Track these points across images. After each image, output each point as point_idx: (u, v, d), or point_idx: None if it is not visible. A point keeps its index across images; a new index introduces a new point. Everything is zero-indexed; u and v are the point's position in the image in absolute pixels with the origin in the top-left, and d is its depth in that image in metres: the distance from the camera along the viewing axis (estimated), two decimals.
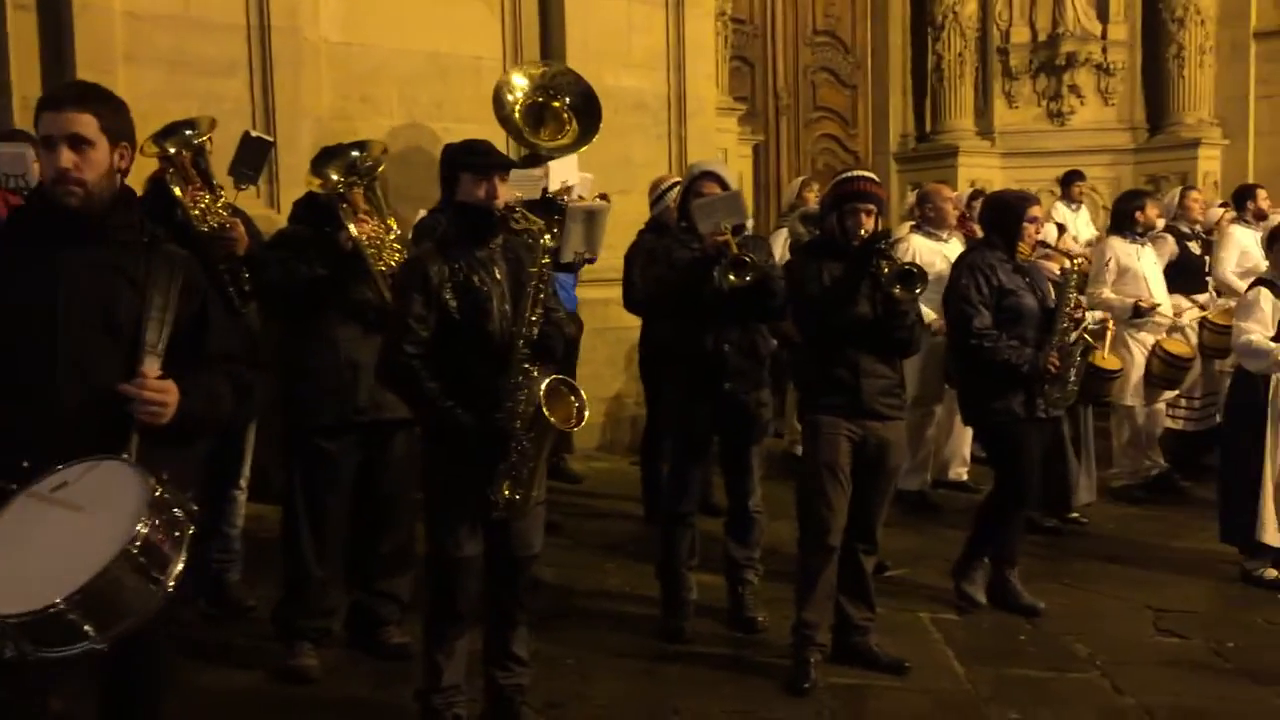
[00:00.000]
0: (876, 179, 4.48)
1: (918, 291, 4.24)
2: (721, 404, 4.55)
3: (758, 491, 4.77)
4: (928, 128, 13.56)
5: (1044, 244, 5.09)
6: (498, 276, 3.60)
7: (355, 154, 4.29)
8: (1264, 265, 6.11)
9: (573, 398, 3.59)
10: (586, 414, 3.61)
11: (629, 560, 5.59)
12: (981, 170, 13.01)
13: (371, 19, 7.10)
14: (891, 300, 4.21)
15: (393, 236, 4.19)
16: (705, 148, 8.27)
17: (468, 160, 3.71)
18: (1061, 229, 6.88)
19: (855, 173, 4.48)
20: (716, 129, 9.54)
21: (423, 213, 6.27)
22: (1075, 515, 6.37)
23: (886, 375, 4.35)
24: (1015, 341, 4.82)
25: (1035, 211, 5.00)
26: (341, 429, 4.16)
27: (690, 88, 8.30)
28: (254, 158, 4.63)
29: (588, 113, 6.79)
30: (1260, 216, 7.71)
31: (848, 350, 4.28)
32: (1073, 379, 4.99)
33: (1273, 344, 5.36)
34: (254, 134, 4.84)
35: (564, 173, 5.75)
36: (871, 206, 4.28)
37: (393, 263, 4.20)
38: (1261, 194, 8.09)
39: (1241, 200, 8.06)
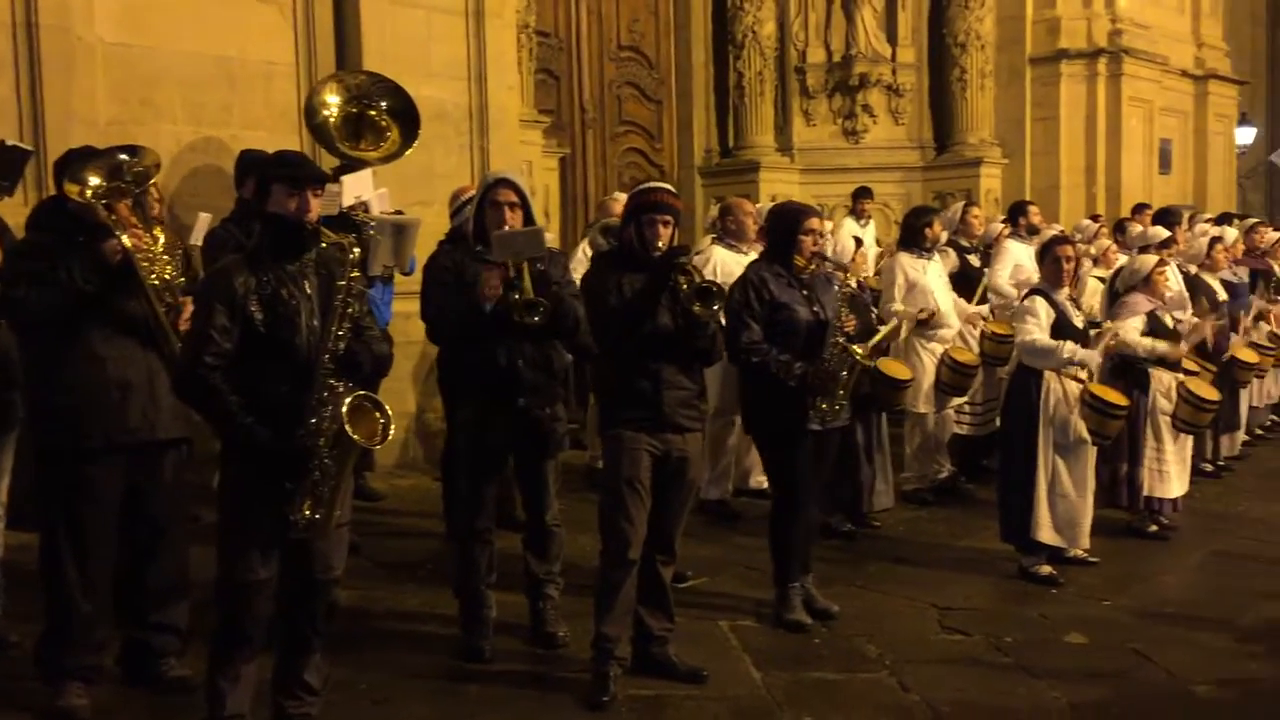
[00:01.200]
0: (674, 191, 4.52)
1: (715, 309, 4.30)
2: (516, 420, 4.49)
3: (555, 506, 4.74)
4: (731, 143, 13.86)
5: (820, 255, 5.16)
6: (308, 291, 3.53)
7: (124, 157, 4.03)
8: (1037, 276, 6.44)
9: (378, 414, 3.52)
10: (392, 431, 3.54)
11: (429, 579, 5.47)
12: (782, 185, 13.38)
13: (153, 20, 6.75)
14: (692, 316, 4.25)
15: (160, 248, 3.96)
16: (508, 159, 8.21)
17: (281, 172, 3.60)
18: (859, 243, 7.09)
19: (652, 185, 4.51)
20: (520, 141, 9.50)
21: (203, 216, 6.01)
22: (870, 519, 6.60)
23: (687, 386, 4.39)
24: (786, 355, 4.84)
25: (813, 224, 5.02)
26: (109, 451, 3.91)
27: (492, 99, 8.22)
28: (7, 168, 4.31)
29: (406, 117, 6.64)
30: (1033, 231, 8.18)
31: (649, 362, 4.30)
32: (842, 393, 4.99)
33: (1056, 341, 5.66)
34: (9, 143, 4.51)
35: (358, 188, 5.59)
36: (669, 218, 4.32)
37: (166, 275, 4.01)
38: (1033, 210, 8.60)
39: (1015, 216, 8.54)
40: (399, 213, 5.99)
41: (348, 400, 3.43)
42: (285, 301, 3.46)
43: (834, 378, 4.96)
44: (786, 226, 5.06)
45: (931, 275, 7.26)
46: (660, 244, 4.28)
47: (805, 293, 5.01)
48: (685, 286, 4.20)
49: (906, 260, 7.23)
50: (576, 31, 12.68)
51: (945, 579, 5.76)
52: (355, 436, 3.42)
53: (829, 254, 6.44)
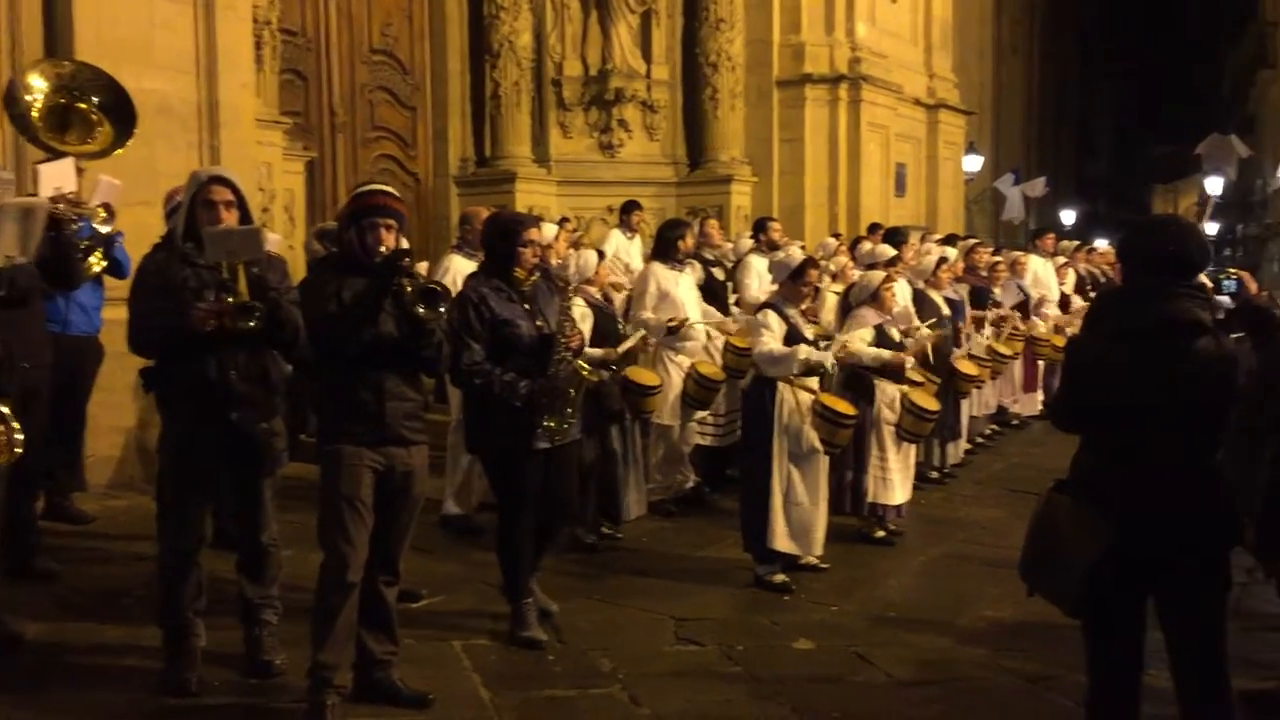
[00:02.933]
0: (396, 194, 4.33)
1: (441, 310, 4.16)
2: (228, 435, 4.19)
3: (273, 525, 4.47)
4: (487, 153, 13.70)
5: (541, 267, 5.08)
6: None
7: None
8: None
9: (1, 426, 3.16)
10: (19, 439, 3.19)
11: (135, 608, 5.05)
12: (539, 197, 13.33)
13: None
14: (416, 319, 4.09)
15: None
16: (241, 160, 7.78)
17: None
18: (602, 255, 7.10)
19: (373, 187, 4.31)
20: (258, 142, 9.06)
21: None
22: (612, 531, 6.58)
23: (411, 398, 4.24)
24: (510, 374, 4.73)
25: (531, 234, 4.91)
26: None
27: (224, 96, 7.78)
28: None
29: (120, 114, 6.14)
30: (773, 246, 8.42)
31: (371, 372, 4.12)
32: (570, 410, 4.90)
33: (789, 347, 5.79)
34: None
35: (57, 178, 5.12)
36: (391, 222, 4.16)
37: None
38: (773, 225, 8.88)
39: (757, 232, 8.78)
40: (106, 207, 5.53)
41: None
42: None
43: (562, 394, 4.87)
44: (504, 238, 4.92)
45: (683, 287, 7.35)
46: (383, 249, 4.10)
47: (527, 306, 4.89)
48: (409, 289, 4.04)
49: (660, 271, 7.30)
50: (326, 32, 12.26)
51: (684, 590, 5.79)
52: None
53: (571, 268, 6.44)
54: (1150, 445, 3.16)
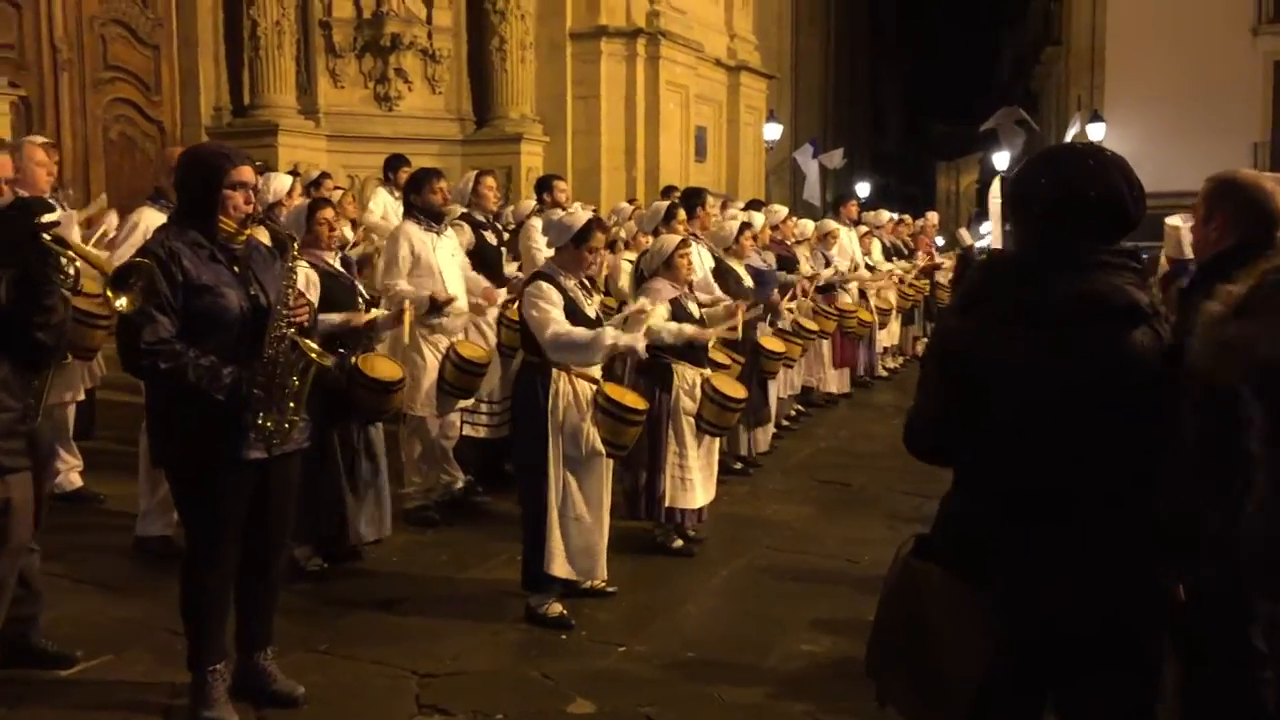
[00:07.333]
0: None
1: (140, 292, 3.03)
2: None
3: None
4: (246, 101, 12.19)
5: (261, 218, 3.86)
6: None
7: None
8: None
9: None
10: None
11: None
12: (306, 152, 11.96)
13: None
14: (36, 287, 2.89)
15: None
16: None
17: None
18: (298, 181, 5.85)
19: None
20: None
21: None
22: (358, 551, 5.40)
23: (10, 407, 3.00)
24: (210, 358, 3.51)
25: (243, 174, 3.66)
26: None
27: None
28: None
29: None
30: (560, 207, 7.36)
31: None
32: (294, 405, 3.68)
33: (594, 330, 4.75)
34: None
35: None
36: None
37: None
38: (559, 185, 7.89)
39: (540, 192, 7.78)
40: None
41: None
42: None
43: (281, 384, 3.66)
44: (204, 178, 3.64)
45: (442, 252, 6.15)
46: None
47: (237, 270, 3.66)
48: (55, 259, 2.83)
49: (413, 232, 6.09)
50: None
51: (437, 630, 4.65)
52: None
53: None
54: (1060, 486, 2.19)
